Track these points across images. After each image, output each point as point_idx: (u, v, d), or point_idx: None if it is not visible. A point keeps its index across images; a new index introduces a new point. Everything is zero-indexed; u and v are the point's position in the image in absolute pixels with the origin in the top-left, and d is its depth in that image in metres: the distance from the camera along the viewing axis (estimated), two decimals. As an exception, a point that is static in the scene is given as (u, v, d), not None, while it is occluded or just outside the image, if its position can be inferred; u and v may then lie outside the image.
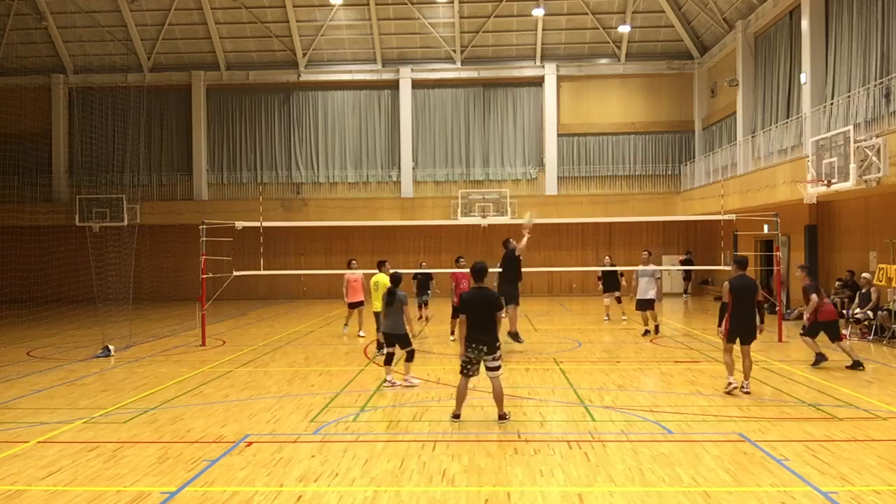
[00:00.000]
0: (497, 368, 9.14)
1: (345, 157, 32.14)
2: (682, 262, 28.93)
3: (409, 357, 11.42)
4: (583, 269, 30.02)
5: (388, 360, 11.50)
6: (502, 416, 9.13)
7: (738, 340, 10.53)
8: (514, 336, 14.43)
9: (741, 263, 10.69)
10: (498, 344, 9.14)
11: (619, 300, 20.46)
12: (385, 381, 11.41)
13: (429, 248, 30.11)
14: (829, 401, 10.07)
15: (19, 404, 10.64)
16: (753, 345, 10.72)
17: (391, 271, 12.09)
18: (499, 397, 9.16)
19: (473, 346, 9.02)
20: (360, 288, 17.51)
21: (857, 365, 12.42)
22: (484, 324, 9.07)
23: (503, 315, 13.81)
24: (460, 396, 9.23)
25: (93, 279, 18.42)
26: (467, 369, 9.13)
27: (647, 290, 16.67)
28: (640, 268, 17.00)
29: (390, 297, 11.25)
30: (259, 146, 32.33)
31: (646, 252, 17.77)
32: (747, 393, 10.36)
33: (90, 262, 19.79)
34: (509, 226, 29.90)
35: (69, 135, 32.51)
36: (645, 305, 16.84)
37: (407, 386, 11.28)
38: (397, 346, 11.38)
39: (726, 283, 10.54)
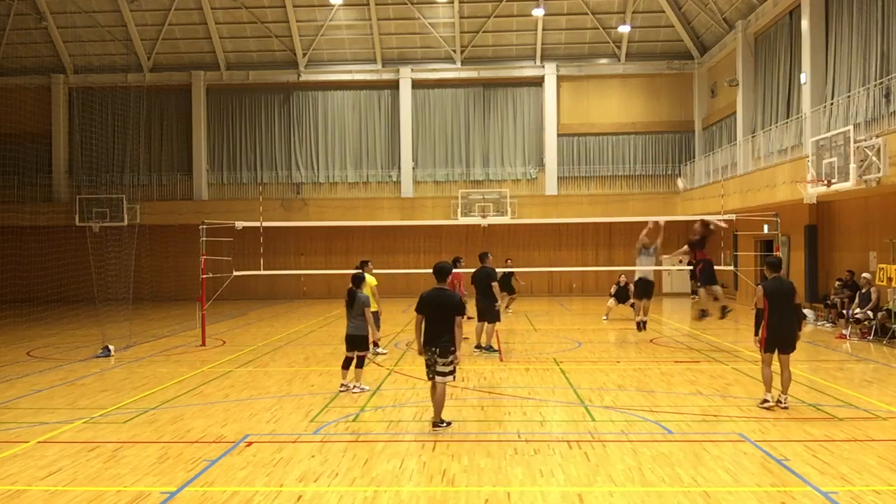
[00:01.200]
0: (446, 374, 8.75)
1: (345, 157, 32.14)
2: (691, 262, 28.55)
3: (359, 363, 11.03)
4: (583, 269, 30.04)
5: (346, 363, 11.12)
6: (436, 424, 8.77)
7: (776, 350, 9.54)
8: (487, 348, 14.76)
9: (774, 265, 9.75)
10: (452, 349, 8.73)
11: (633, 306, 20.62)
12: (341, 385, 11.14)
13: (429, 248, 30.11)
14: (829, 401, 10.06)
15: (19, 404, 10.64)
16: (751, 345, 10.61)
17: (355, 271, 11.78)
18: (439, 402, 8.79)
19: (427, 347, 8.80)
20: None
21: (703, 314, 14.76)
22: (440, 325, 8.75)
23: (468, 319, 14.46)
24: (434, 402, 8.93)
25: (93, 279, 18.43)
26: (428, 373, 8.88)
27: (647, 271, 15.82)
28: (640, 248, 15.85)
29: (351, 299, 10.92)
30: (259, 146, 32.32)
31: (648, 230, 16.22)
32: (785, 408, 9.43)
33: (90, 262, 19.80)
34: (509, 226, 29.95)
35: (69, 135, 32.51)
36: (644, 289, 15.86)
37: (357, 392, 10.88)
38: (356, 350, 11.00)
39: (759, 288, 9.64)
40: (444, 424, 8.82)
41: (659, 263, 16.36)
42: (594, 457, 7.60)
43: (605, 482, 6.84)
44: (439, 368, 8.76)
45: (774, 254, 16.79)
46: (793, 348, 9.54)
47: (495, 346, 15.13)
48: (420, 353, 8.95)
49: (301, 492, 6.69)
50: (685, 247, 15.54)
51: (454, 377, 8.99)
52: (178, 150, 32.62)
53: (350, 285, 11.12)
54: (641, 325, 16.34)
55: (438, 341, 8.73)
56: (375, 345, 14.42)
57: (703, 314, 14.88)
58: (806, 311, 20.14)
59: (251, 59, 32.32)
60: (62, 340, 18.12)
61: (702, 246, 14.93)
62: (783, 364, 9.54)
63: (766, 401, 9.64)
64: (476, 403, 10.24)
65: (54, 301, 23.62)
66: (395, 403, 10.32)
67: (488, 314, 14.64)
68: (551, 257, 30.46)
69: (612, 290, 21.55)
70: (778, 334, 9.43)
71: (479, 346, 14.82)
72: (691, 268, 15.44)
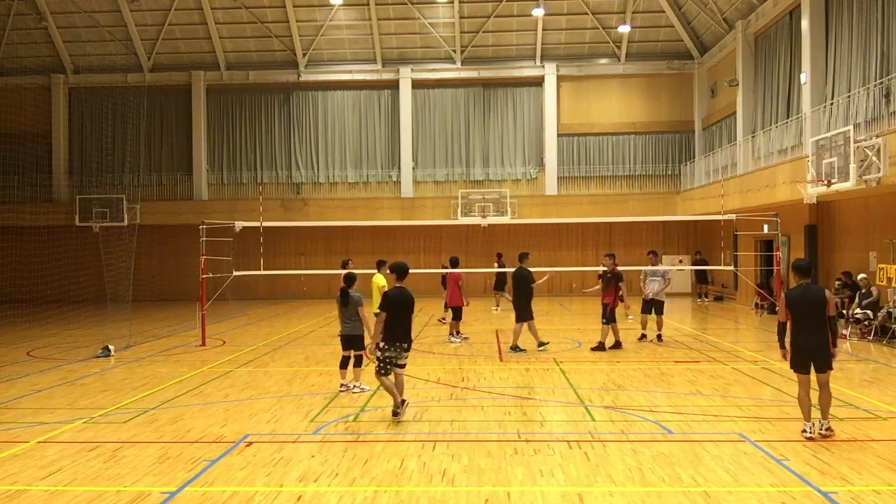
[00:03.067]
0: (405, 366, 9.49)
1: (345, 157, 32.13)
2: (695, 263, 28.10)
3: (357, 362, 11.05)
4: (583, 268, 30.01)
5: (344, 363, 11.15)
6: (403, 401, 9.34)
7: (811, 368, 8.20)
8: (513, 348, 14.93)
9: (801, 269, 8.35)
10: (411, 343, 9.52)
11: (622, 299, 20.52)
12: (342, 385, 11.13)
13: (429, 248, 30.11)
14: (829, 401, 10.05)
15: (19, 404, 10.64)
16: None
17: (346, 272, 11.62)
18: (401, 387, 9.43)
19: (397, 344, 9.21)
20: None
21: (608, 345, 14.93)
22: (406, 323, 9.30)
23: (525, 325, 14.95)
24: (392, 391, 9.33)
25: (93, 279, 18.46)
26: (387, 369, 9.23)
27: (657, 292, 15.84)
28: (650, 268, 16.07)
29: (344, 298, 10.90)
30: (259, 146, 32.32)
31: (651, 254, 16.55)
32: (825, 436, 8.13)
33: (91, 262, 19.82)
34: (509, 226, 29.95)
35: (69, 135, 32.53)
36: (651, 307, 15.95)
37: (357, 392, 10.89)
38: (353, 350, 11.04)
39: (783, 297, 8.43)
40: (406, 404, 9.38)
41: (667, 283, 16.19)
42: (594, 457, 7.60)
43: (605, 482, 6.84)
44: (402, 361, 9.37)
45: (776, 255, 16.88)
46: (827, 367, 8.13)
47: (521, 347, 15.11)
48: (373, 351, 9.34)
49: (301, 492, 6.70)
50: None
51: None
52: (178, 150, 32.61)
53: (342, 285, 11.08)
54: (657, 339, 16.02)
55: (407, 337, 9.30)
56: None
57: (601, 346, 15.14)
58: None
59: (251, 59, 32.31)
60: (62, 340, 18.12)
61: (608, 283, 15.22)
62: (819, 384, 8.15)
63: (804, 431, 8.18)
64: (476, 403, 10.24)
65: (54, 301, 23.61)
66: (395, 403, 10.31)
67: (523, 314, 14.79)
68: (551, 257, 30.41)
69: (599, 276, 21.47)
70: (804, 352, 8.13)
71: (514, 348, 14.94)
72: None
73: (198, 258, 17.60)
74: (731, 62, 26.75)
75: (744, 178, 22.96)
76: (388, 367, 9.22)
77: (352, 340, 11.02)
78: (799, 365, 8.19)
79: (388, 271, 14.18)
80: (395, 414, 9.26)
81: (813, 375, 8.17)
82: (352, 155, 32.11)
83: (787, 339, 8.30)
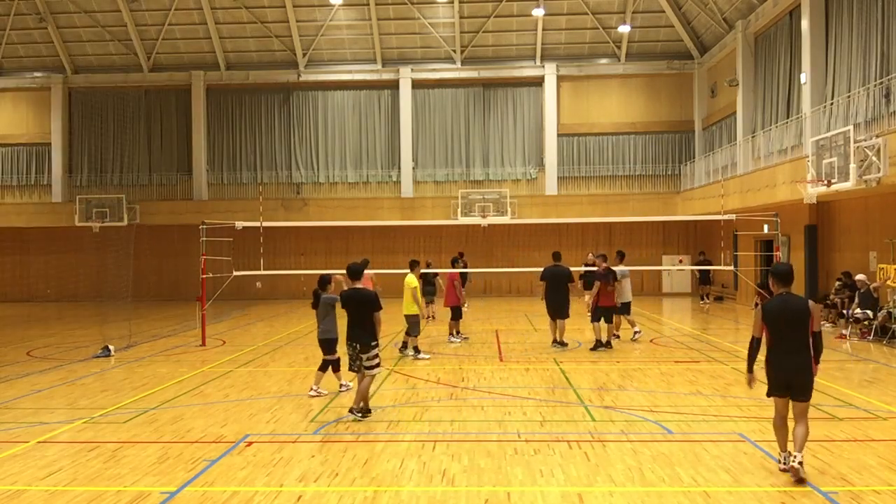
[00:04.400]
0: (371, 368, 9.34)
1: (345, 157, 32.13)
2: (699, 264, 27.75)
3: (323, 367, 10.92)
4: (583, 268, 29.95)
5: (335, 366, 11.01)
6: (350, 410, 9.35)
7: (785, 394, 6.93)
8: (561, 343, 15.23)
9: (782, 276, 6.97)
10: (374, 343, 9.32)
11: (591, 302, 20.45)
12: (340, 385, 11.10)
13: (429, 248, 30.09)
14: (829, 401, 10.06)
15: (19, 404, 10.64)
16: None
17: (322, 272, 11.49)
18: (361, 392, 9.32)
19: (349, 342, 9.38)
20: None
21: (599, 345, 14.75)
22: (359, 322, 9.34)
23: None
24: (359, 392, 9.50)
25: (93, 279, 18.47)
26: (351, 366, 9.53)
27: (621, 294, 15.98)
28: (620, 268, 16.15)
29: (315, 300, 11.01)
30: (259, 146, 32.31)
31: (616, 255, 16.63)
32: (796, 469, 6.72)
33: (90, 262, 19.84)
34: (509, 226, 29.95)
35: (69, 135, 32.52)
36: (622, 309, 16.05)
37: (314, 395, 10.70)
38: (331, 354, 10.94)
39: (758, 309, 7.03)
40: (359, 414, 9.29)
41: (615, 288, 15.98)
42: (594, 457, 7.60)
43: (605, 482, 6.84)
44: (364, 363, 9.34)
45: (776, 255, 16.82)
46: (807, 395, 6.84)
47: (566, 342, 15.32)
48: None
49: (301, 492, 6.70)
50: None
51: (380, 368, 9.64)
52: (178, 150, 32.59)
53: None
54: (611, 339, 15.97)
55: (359, 338, 9.32)
56: (416, 350, 14.22)
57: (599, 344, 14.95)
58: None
59: (251, 59, 32.30)
60: (62, 340, 18.12)
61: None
62: (795, 415, 6.86)
63: (780, 462, 7.00)
64: (476, 403, 10.24)
65: (54, 301, 23.62)
66: (395, 403, 10.32)
67: (562, 311, 14.92)
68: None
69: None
70: (783, 373, 6.82)
71: (556, 342, 15.11)
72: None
73: (198, 258, 17.60)
74: (731, 62, 26.75)
75: (744, 178, 22.96)
76: (353, 364, 9.45)
77: (329, 344, 10.90)
78: (776, 388, 6.91)
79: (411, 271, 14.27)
80: (350, 411, 9.39)
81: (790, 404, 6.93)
82: (352, 155, 32.11)
83: (757, 364, 7.01)
